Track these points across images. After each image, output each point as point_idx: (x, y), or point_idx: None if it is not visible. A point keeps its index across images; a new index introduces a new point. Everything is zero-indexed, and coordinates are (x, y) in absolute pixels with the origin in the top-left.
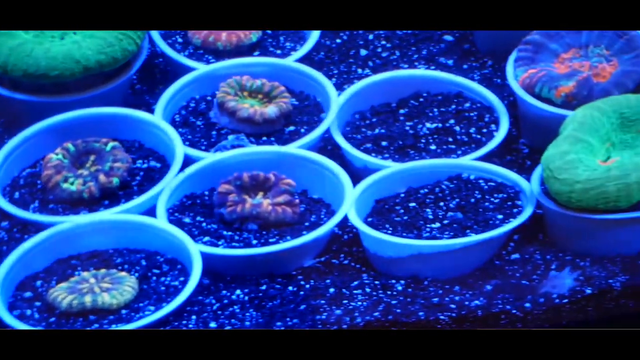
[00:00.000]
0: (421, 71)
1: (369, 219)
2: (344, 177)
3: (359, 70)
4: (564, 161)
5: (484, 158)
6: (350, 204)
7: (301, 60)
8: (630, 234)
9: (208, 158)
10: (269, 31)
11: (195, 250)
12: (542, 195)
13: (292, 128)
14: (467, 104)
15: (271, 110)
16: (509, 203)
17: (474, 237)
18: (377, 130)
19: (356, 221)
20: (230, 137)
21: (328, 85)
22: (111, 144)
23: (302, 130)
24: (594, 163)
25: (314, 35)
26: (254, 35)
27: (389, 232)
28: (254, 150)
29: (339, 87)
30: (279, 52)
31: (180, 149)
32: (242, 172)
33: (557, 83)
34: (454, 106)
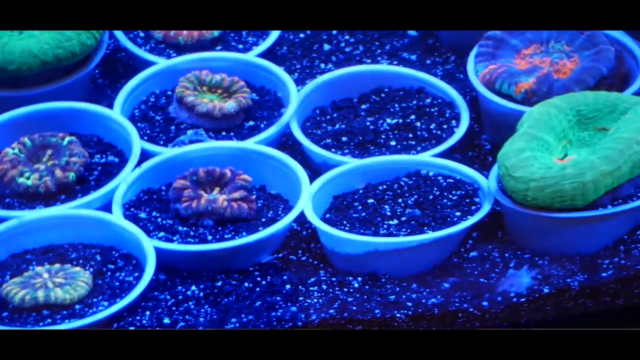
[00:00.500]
0: (383, 66)
1: (327, 215)
2: (301, 173)
3: (322, 65)
4: (519, 159)
5: (444, 154)
6: (307, 200)
7: (264, 54)
8: (589, 233)
9: (165, 153)
10: None
11: (149, 246)
12: (499, 193)
13: (251, 123)
14: (429, 100)
15: (230, 105)
16: (467, 200)
17: (430, 235)
18: (337, 126)
19: (312, 218)
20: (189, 132)
21: (288, 80)
22: (68, 138)
23: (262, 125)
24: (550, 161)
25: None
26: (216, 30)
27: (347, 228)
28: (212, 146)
29: (302, 82)
30: (241, 46)
31: (137, 144)
32: (199, 167)
33: (517, 79)
34: (415, 102)
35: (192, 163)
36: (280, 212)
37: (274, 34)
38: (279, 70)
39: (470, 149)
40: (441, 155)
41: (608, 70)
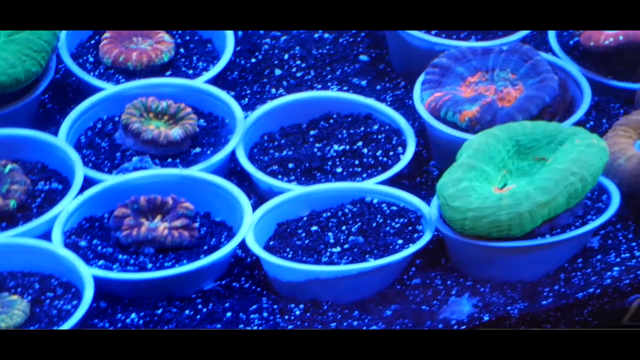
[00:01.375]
0: (332, 93)
1: (271, 243)
2: (244, 201)
3: (273, 90)
4: (457, 189)
5: (390, 181)
6: (248, 228)
7: (214, 79)
8: (528, 261)
9: (109, 180)
10: (182, 50)
11: (88, 274)
12: (440, 222)
13: (198, 150)
14: (376, 126)
15: (176, 132)
16: (410, 228)
17: (370, 263)
18: (284, 152)
19: (253, 246)
20: (134, 158)
21: (235, 106)
22: (9, 166)
23: (209, 152)
24: (487, 191)
25: (227, 55)
26: (165, 55)
27: (289, 256)
28: (156, 173)
29: (252, 107)
30: (191, 72)
31: (80, 172)
32: (142, 195)
33: (461, 107)
34: (363, 128)
35: (135, 190)
36: (223, 240)
37: (224, 59)
38: (226, 97)
39: (419, 175)
40: (387, 182)
41: (551, 99)
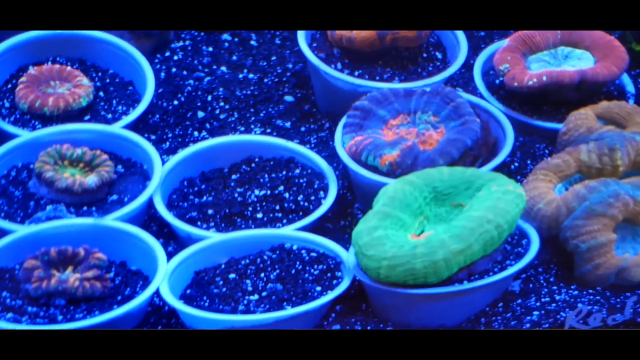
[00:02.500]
0: (253, 136)
1: (188, 291)
2: (158, 250)
3: (196, 133)
4: (372, 237)
5: (312, 226)
6: (162, 278)
7: (135, 123)
8: (448, 306)
9: (19, 231)
10: (102, 94)
11: None
12: (357, 269)
13: (115, 197)
14: (298, 170)
15: (91, 179)
16: (329, 274)
17: (286, 312)
18: (204, 198)
19: (168, 296)
20: (49, 207)
21: (152, 152)
22: None
23: (126, 199)
24: (403, 239)
25: (147, 98)
26: (83, 100)
27: (206, 304)
28: (69, 223)
29: (174, 152)
30: (110, 116)
31: None
32: (54, 245)
33: (382, 151)
34: (285, 172)
35: (48, 241)
36: (138, 289)
37: (145, 102)
38: (143, 142)
39: (343, 218)
40: (308, 227)
41: (473, 142)
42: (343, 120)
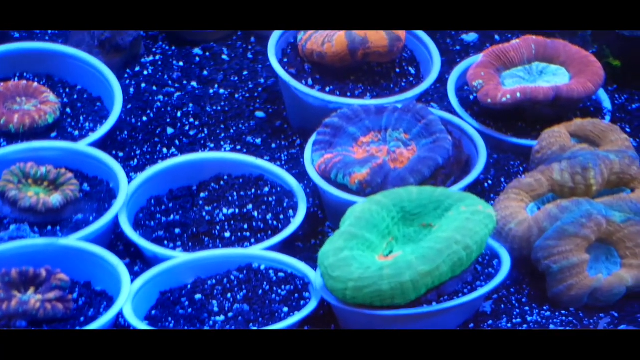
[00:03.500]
0: (222, 154)
1: (153, 312)
2: (122, 270)
3: (165, 150)
4: (338, 258)
5: (282, 245)
6: (126, 299)
7: (102, 140)
8: (418, 327)
9: None
10: (69, 110)
11: None
12: (325, 290)
13: (80, 216)
14: (267, 188)
15: (55, 198)
16: (297, 295)
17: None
18: (172, 217)
19: (131, 318)
20: (12, 227)
21: (118, 170)
22: None
23: (91, 218)
24: (370, 260)
25: (115, 114)
26: (50, 116)
27: (171, 325)
28: (31, 243)
29: (142, 169)
30: (77, 133)
31: None
32: (16, 266)
33: (351, 170)
34: (254, 190)
35: (9, 261)
36: (102, 310)
37: (112, 119)
38: (109, 160)
39: (314, 237)
40: (277, 246)
41: (444, 160)
42: (313, 137)
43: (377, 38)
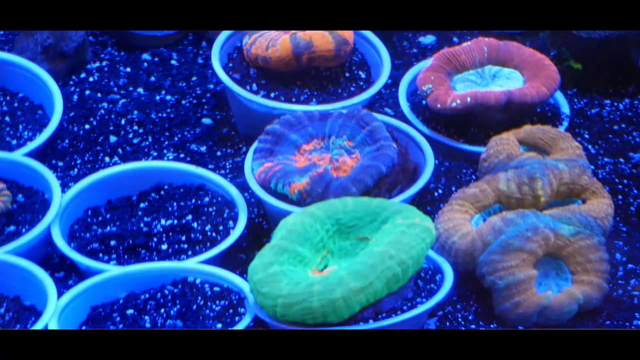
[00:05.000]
0: (162, 163)
1: (83, 328)
2: (49, 284)
3: (107, 159)
4: (267, 273)
5: (222, 256)
6: (52, 314)
7: (42, 149)
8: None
9: None
10: (7, 119)
11: None
12: (256, 306)
13: (12, 228)
14: (207, 199)
15: None
16: (231, 311)
17: None
18: (108, 228)
19: None
20: None
21: (52, 180)
22: None
23: (24, 230)
24: (301, 275)
25: (54, 123)
26: None
27: None
28: None
29: (82, 179)
30: (15, 142)
31: None
32: None
33: (291, 179)
34: (194, 200)
35: None
36: (29, 326)
37: (51, 127)
38: (44, 170)
39: (258, 248)
40: (216, 259)
41: (388, 169)
42: (254, 145)
43: (323, 42)
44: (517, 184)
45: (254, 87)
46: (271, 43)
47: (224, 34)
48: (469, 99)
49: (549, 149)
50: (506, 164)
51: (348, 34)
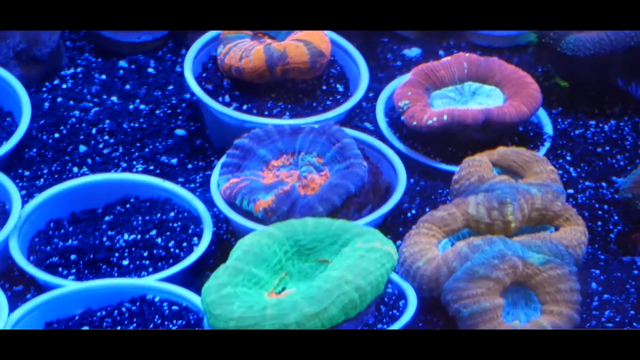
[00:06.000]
0: (128, 175)
1: None
2: (0, 298)
3: (75, 169)
4: (220, 295)
5: (187, 273)
6: (3, 328)
7: (8, 157)
8: None
9: None
10: None
11: None
12: (210, 328)
13: None
14: (173, 213)
15: None
16: None
17: None
18: (69, 242)
19: None
20: None
21: (12, 190)
22: None
23: None
24: (256, 298)
25: (21, 131)
26: None
27: None
28: None
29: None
30: None
31: None
32: None
33: (256, 196)
34: (159, 214)
35: None
36: None
37: (18, 135)
38: (5, 180)
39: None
40: (175, 277)
41: (357, 188)
42: (222, 159)
43: (297, 53)
44: (487, 208)
45: (227, 98)
46: (245, 53)
47: (198, 42)
48: (445, 117)
49: (522, 172)
50: (477, 187)
51: (324, 46)
